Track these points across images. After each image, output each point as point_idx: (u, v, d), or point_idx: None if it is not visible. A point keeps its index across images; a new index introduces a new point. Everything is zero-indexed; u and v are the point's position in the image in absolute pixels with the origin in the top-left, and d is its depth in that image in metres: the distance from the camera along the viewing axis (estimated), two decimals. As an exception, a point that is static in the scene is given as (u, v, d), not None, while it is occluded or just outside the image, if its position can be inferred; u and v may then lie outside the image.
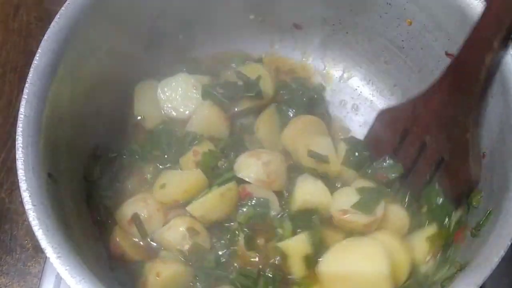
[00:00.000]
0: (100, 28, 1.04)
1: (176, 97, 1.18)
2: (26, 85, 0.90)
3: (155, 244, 1.07)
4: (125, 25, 1.11)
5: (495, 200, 0.92)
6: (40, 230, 0.80)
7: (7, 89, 1.39)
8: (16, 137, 0.86)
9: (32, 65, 0.91)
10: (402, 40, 1.19)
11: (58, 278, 1.16)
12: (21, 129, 0.87)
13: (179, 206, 1.08)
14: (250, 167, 1.09)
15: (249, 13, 1.27)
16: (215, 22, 1.25)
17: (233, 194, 1.07)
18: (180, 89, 1.19)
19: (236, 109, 1.20)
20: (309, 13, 1.26)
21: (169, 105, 1.18)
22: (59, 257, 0.79)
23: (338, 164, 1.14)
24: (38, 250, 1.21)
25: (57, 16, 0.96)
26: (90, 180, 1.09)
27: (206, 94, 1.18)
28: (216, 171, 1.11)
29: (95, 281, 0.79)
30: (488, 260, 0.82)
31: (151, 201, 1.08)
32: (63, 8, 0.97)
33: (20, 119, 0.87)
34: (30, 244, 1.23)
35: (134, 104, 1.20)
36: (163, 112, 1.19)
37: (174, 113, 1.18)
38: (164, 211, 1.08)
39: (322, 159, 1.13)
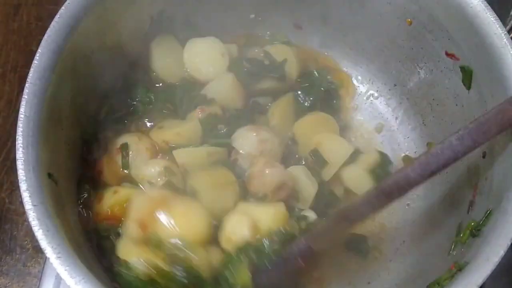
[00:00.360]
0: (100, 28, 1.05)
1: (201, 59, 1.18)
2: (26, 85, 0.90)
3: (132, 185, 1.08)
4: (125, 23, 1.11)
5: (495, 200, 0.92)
6: (40, 230, 0.80)
7: (7, 89, 1.39)
8: (16, 137, 0.86)
9: (32, 65, 0.91)
10: (402, 40, 1.19)
11: (58, 279, 1.16)
12: (21, 129, 0.86)
13: (167, 153, 1.10)
14: (247, 139, 1.10)
15: (250, 13, 1.27)
16: (214, 23, 1.25)
17: (219, 157, 1.09)
18: (207, 51, 1.18)
19: (256, 87, 1.20)
20: (309, 13, 1.26)
21: (192, 65, 1.18)
22: (59, 257, 0.79)
23: (330, 175, 1.15)
24: (38, 250, 1.21)
25: (57, 16, 0.96)
26: (95, 119, 1.11)
27: (233, 65, 1.18)
28: (214, 132, 1.12)
29: (94, 281, 0.79)
30: (488, 260, 0.82)
31: (145, 140, 1.10)
32: (63, 8, 0.97)
33: (20, 119, 0.87)
34: (30, 245, 1.23)
35: (151, 60, 1.19)
36: (184, 70, 1.19)
37: (195, 73, 1.18)
38: (152, 153, 1.10)
39: (319, 161, 1.14)
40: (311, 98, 1.23)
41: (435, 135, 1.21)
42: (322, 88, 1.25)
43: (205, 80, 1.18)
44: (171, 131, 1.11)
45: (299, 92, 1.24)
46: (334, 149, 1.17)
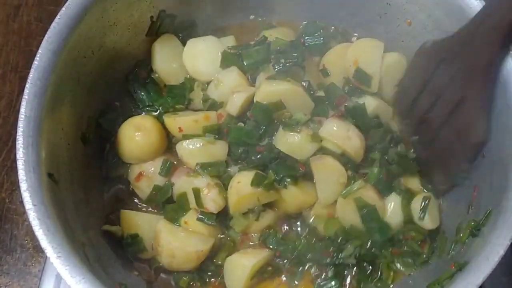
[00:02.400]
0: (100, 28, 1.05)
1: (201, 60, 1.18)
2: (27, 85, 0.90)
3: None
4: (125, 23, 1.11)
5: (495, 200, 0.92)
6: (41, 230, 0.80)
7: (7, 89, 1.39)
8: (17, 137, 0.86)
9: (32, 66, 0.91)
10: (402, 40, 1.18)
11: (58, 278, 1.16)
12: (21, 129, 0.87)
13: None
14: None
15: (249, 13, 1.27)
16: (214, 23, 1.25)
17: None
18: (206, 51, 1.18)
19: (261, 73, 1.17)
20: (309, 14, 1.26)
21: (192, 66, 1.18)
22: (59, 257, 0.79)
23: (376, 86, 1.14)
24: (38, 250, 1.21)
25: (57, 16, 0.96)
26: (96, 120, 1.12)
27: (230, 60, 1.16)
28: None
29: (95, 281, 0.79)
30: (488, 260, 0.83)
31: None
32: (63, 9, 0.97)
33: (21, 119, 0.87)
34: (30, 244, 1.23)
35: (154, 62, 1.18)
36: (186, 70, 1.19)
37: (196, 75, 1.18)
38: None
39: (364, 78, 1.14)
40: (322, 38, 1.23)
41: (435, 135, 1.21)
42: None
43: (206, 80, 1.18)
44: (189, 118, 1.11)
45: (307, 38, 1.23)
46: (369, 52, 1.15)
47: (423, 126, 1.07)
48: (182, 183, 1.09)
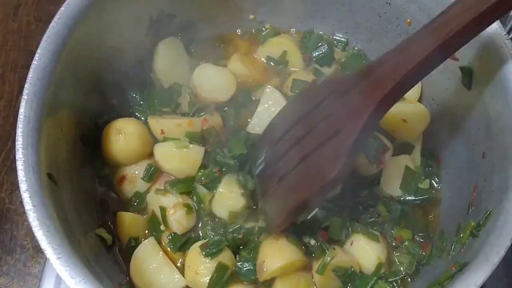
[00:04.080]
0: (100, 28, 1.05)
1: (211, 84, 1.19)
2: (26, 85, 0.89)
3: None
4: (125, 23, 1.11)
5: (495, 200, 0.92)
6: (40, 231, 0.80)
7: (7, 89, 1.39)
8: (16, 137, 0.86)
9: (31, 66, 0.91)
10: (402, 40, 1.18)
11: (58, 279, 1.16)
12: (21, 129, 0.86)
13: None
14: None
15: (249, 13, 1.27)
16: (213, 23, 1.25)
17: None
18: (216, 77, 1.19)
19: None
20: (309, 14, 1.26)
21: (201, 87, 1.19)
22: (59, 257, 0.79)
23: None
24: (38, 250, 1.21)
25: (57, 16, 0.96)
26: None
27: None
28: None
29: (95, 282, 0.79)
30: (488, 260, 0.82)
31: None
32: (62, 8, 0.97)
33: (20, 119, 0.87)
34: (30, 245, 1.23)
35: (156, 60, 1.18)
36: (187, 79, 1.20)
37: (204, 94, 1.19)
38: None
39: None
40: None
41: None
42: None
43: (210, 102, 1.19)
44: (172, 121, 1.10)
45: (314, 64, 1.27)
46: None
47: (284, 156, 1.01)
48: (151, 200, 1.08)
